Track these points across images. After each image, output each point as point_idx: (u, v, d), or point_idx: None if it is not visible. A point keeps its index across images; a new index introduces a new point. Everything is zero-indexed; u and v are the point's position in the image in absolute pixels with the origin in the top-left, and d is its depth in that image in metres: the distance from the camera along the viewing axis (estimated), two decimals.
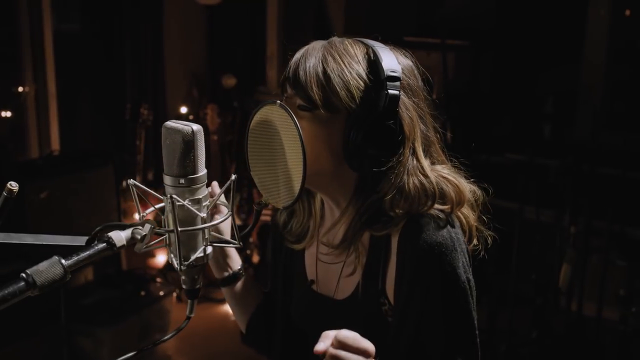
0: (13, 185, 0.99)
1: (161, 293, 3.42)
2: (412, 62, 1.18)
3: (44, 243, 1.04)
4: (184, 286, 1.04)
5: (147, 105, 4.08)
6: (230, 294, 1.38)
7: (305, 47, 1.17)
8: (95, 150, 4.11)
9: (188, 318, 1.06)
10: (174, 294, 3.61)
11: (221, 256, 1.34)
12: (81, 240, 0.99)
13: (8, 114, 4.54)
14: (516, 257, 3.21)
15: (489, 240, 1.20)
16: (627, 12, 3.90)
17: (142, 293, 3.35)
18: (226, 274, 1.34)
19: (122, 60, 4.72)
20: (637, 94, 3.41)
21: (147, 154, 4.38)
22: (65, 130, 4.51)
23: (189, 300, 1.06)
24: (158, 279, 3.69)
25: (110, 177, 3.59)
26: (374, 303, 1.16)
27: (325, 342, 0.97)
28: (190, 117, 4.42)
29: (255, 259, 4.13)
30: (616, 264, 3.07)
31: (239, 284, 1.36)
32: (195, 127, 0.95)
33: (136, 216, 1.02)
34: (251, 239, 4.13)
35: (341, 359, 0.95)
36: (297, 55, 1.16)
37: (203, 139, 0.97)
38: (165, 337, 1.03)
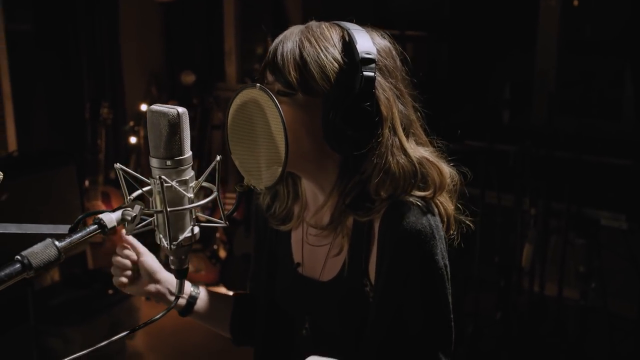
0: None
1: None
2: (390, 43, 1.21)
3: (27, 232, 1.04)
4: (172, 266, 1.07)
5: (107, 104, 4.05)
6: (198, 317, 1.37)
7: (284, 33, 1.19)
8: (56, 150, 4.06)
9: (177, 297, 1.09)
10: None
11: (167, 288, 1.32)
12: (64, 229, 1.00)
13: None
14: (479, 242, 3.29)
15: (472, 227, 1.24)
16: (575, 3, 4.03)
17: (110, 291, 3.33)
18: (183, 302, 1.34)
19: (78, 59, 4.67)
20: (588, 81, 3.53)
21: (108, 153, 4.34)
22: (22, 131, 4.44)
23: (177, 280, 1.08)
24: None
25: (72, 177, 3.54)
26: (358, 285, 1.19)
27: None
28: None
29: (223, 254, 4.14)
30: (575, 243, 3.18)
31: (202, 304, 1.36)
32: (181, 109, 0.98)
33: None
34: (217, 234, 4.13)
35: None
36: (276, 40, 1.18)
37: (188, 121, 1.00)
38: (156, 317, 1.05)
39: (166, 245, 0.99)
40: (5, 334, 2.84)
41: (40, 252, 0.88)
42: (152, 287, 1.32)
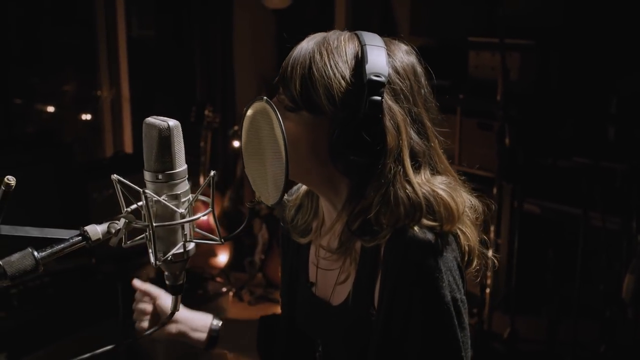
0: (10, 179, 1.01)
1: (218, 292, 3.47)
2: (416, 60, 1.12)
3: (49, 236, 1.06)
4: (167, 282, 1.05)
5: (212, 108, 4.16)
6: (225, 348, 1.37)
7: (303, 41, 1.12)
8: None
9: (172, 313, 1.07)
10: (230, 293, 3.66)
11: (188, 326, 1.34)
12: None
13: (88, 116, 4.76)
14: (581, 265, 3.06)
15: (496, 262, 1.15)
16: None
17: (200, 292, 3.41)
18: (205, 337, 1.35)
19: (192, 63, 4.85)
20: None
21: (214, 156, 4.45)
22: (138, 131, 4.67)
23: (172, 297, 1.06)
24: (218, 279, 3.75)
25: None
26: (364, 312, 1.12)
27: None
28: None
29: None
30: None
31: (225, 333, 1.36)
32: (172, 122, 0.96)
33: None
34: None
35: None
36: (293, 49, 1.12)
37: (181, 134, 0.97)
38: (148, 331, 1.04)
39: (153, 261, 0.97)
40: (94, 327, 2.98)
41: (16, 261, 0.89)
42: (172, 327, 1.34)
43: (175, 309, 1.07)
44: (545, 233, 3.46)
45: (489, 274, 3.28)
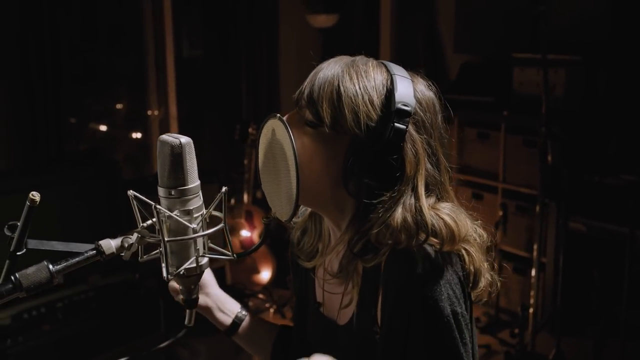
0: (35, 195, 1.05)
1: (260, 308, 3.49)
2: (435, 96, 1.14)
3: (73, 251, 1.09)
4: (181, 296, 1.07)
5: (256, 126, 4.21)
6: (241, 339, 1.38)
7: (329, 61, 1.14)
8: (204, 168, 4.29)
9: (186, 327, 1.09)
10: (272, 310, 3.67)
11: (216, 304, 1.36)
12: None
13: (138, 135, 4.89)
14: (628, 285, 2.97)
15: (498, 285, 1.14)
16: None
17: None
18: (229, 321, 1.36)
19: (239, 82, 4.93)
20: None
21: (257, 173, 4.49)
22: None
23: (187, 310, 1.08)
24: (260, 295, 3.77)
25: (214, 195, 3.73)
26: (369, 331, 1.12)
27: None
28: None
29: None
30: None
31: (246, 326, 1.36)
32: (184, 139, 0.98)
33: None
34: None
35: None
36: (319, 66, 1.14)
37: (193, 151, 1.00)
38: (162, 344, 1.06)
39: (165, 275, 0.99)
40: (136, 340, 3.04)
41: (32, 274, 0.92)
42: (202, 299, 1.34)
43: (190, 322, 1.09)
44: (591, 251, 3.37)
45: (532, 292, 3.21)
